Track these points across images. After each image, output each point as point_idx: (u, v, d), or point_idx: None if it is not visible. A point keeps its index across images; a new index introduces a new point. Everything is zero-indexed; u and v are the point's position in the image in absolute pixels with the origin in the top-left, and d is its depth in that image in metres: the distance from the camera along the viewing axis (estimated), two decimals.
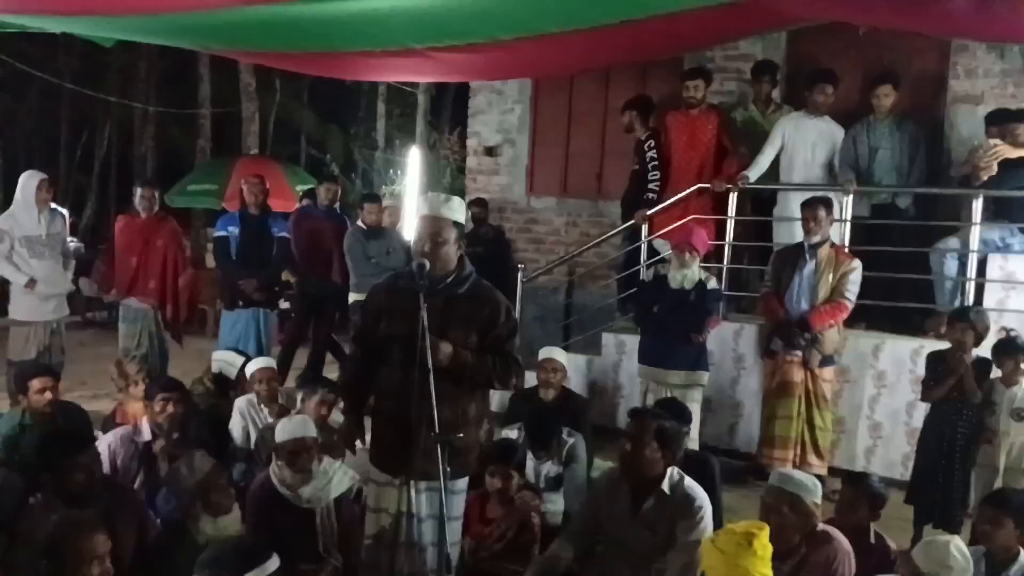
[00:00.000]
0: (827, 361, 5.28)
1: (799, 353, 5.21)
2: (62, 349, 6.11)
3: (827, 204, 5.30)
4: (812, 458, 5.24)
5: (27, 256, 5.90)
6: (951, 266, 5.59)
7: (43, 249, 5.96)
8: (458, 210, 3.20)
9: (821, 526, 3.19)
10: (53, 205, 6.16)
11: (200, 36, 6.02)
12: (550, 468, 4.44)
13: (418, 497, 3.17)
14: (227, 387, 5.28)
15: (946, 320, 4.62)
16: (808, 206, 5.26)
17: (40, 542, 2.51)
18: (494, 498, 3.89)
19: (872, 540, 3.43)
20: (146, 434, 4.27)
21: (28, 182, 5.95)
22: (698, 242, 5.33)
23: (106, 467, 4.01)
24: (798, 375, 5.24)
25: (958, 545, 2.73)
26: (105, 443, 4.23)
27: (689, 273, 5.30)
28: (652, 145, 6.49)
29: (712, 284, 5.38)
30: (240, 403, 4.88)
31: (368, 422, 3.46)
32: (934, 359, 4.52)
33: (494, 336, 3.18)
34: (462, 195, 10.35)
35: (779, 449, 5.24)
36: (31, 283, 5.87)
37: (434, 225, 3.14)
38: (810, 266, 5.22)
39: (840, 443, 5.63)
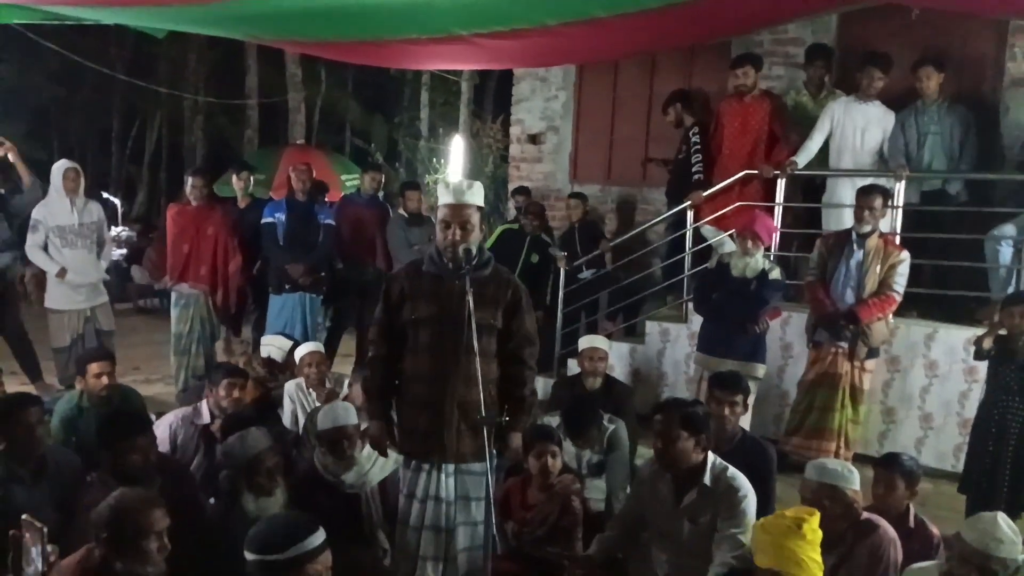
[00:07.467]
0: (872, 353, 5.18)
1: (845, 345, 5.10)
2: (97, 335, 6.15)
3: (885, 193, 5.16)
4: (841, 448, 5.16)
5: (59, 246, 6.04)
6: (1006, 253, 5.45)
7: (75, 239, 6.07)
8: (480, 194, 3.25)
9: (865, 515, 3.14)
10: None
11: (248, 25, 6.09)
12: (591, 455, 4.42)
13: (447, 480, 3.20)
14: (275, 371, 5.37)
15: (1000, 305, 4.46)
16: (865, 194, 5.08)
17: (101, 518, 2.57)
18: (535, 482, 3.89)
19: (912, 524, 3.38)
20: (206, 416, 4.38)
21: (57, 171, 6.09)
22: (761, 230, 5.23)
23: (166, 446, 4.15)
24: (843, 367, 5.13)
25: (1005, 519, 2.67)
26: (166, 423, 4.36)
27: (752, 262, 5.22)
28: (696, 132, 6.45)
29: (775, 275, 5.25)
30: (289, 387, 4.98)
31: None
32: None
33: (519, 318, 3.28)
34: (505, 183, 10.38)
35: (819, 440, 5.14)
36: (61, 272, 6.01)
37: (463, 212, 3.18)
38: (858, 256, 5.08)
39: (889, 433, 5.54)
